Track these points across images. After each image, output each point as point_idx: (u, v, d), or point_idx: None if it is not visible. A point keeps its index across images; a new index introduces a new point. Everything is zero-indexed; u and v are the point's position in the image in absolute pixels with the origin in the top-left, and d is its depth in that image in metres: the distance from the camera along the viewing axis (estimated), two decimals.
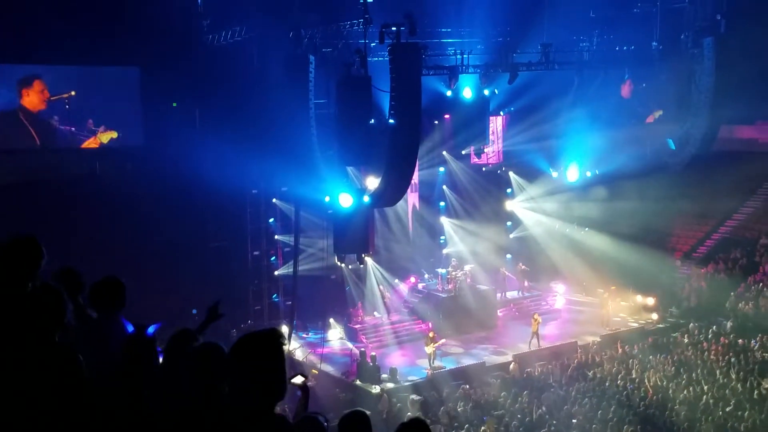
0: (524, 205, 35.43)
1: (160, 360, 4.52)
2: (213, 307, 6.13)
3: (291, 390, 3.44)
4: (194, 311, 19.93)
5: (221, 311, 6.17)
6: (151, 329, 4.48)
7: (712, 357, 24.99)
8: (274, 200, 30.16)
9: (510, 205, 35.57)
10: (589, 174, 33.23)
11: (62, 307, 4.13)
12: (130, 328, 4.90)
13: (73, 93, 27.07)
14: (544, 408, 21.17)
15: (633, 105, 32.51)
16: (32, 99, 26.85)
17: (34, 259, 4.48)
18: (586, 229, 35.12)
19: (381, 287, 30.54)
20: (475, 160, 34.46)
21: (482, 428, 19.81)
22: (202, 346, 3.95)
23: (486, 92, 31.42)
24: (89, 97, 27.70)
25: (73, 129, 27.45)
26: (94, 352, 4.50)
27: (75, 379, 3.92)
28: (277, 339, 3.33)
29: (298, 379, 5.29)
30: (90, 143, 27.73)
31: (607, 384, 22.99)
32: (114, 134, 27.87)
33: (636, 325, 30.54)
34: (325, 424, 4.85)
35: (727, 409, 20.42)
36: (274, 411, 3.30)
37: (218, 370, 3.74)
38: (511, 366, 25.37)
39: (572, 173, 33.04)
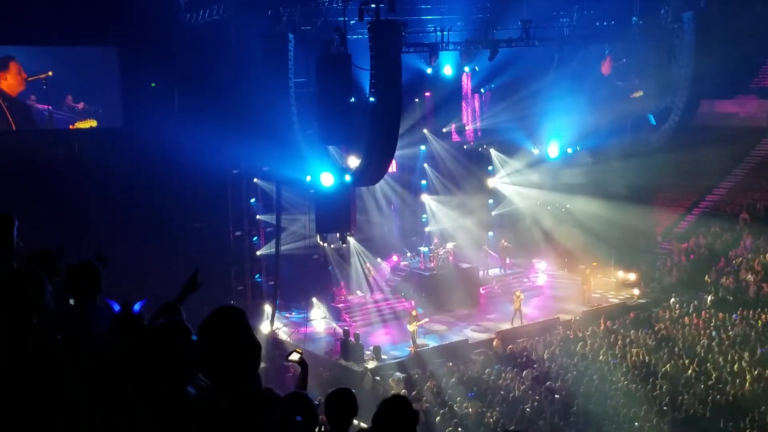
0: (505, 181, 35.45)
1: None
2: (192, 278, 6.06)
3: (279, 372, 3.40)
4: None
5: (199, 283, 6.12)
6: (136, 306, 4.41)
7: (693, 331, 25.23)
8: (255, 180, 29.99)
9: (491, 182, 35.58)
10: (570, 150, 33.28)
11: (40, 290, 4.03)
12: (116, 307, 4.80)
13: (50, 73, 26.71)
14: (527, 384, 21.31)
15: (613, 81, 32.53)
16: (10, 82, 26.48)
17: (3, 232, 4.36)
18: (567, 206, 35.24)
19: (368, 265, 30.53)
20: (456, 138, 34.41)
21: (465, 404, 19.92)
22: (165, 324, 3.87)
23: (466, 69, 31.33)
24: (66, 78, 27.33)
25: (50, 108, 27.10)
26: (74, 336, 4.41)
27: (53, 363, 3.84)
28: (237, 312, 3.32)
29: (295, 356, 5.25)
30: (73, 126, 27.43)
31: (589, 359, 23.15)
32: (93, 123, 27.54)
33: (617, 300, 30.78)
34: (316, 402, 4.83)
35: (709, 383, 20.64)
36: (259, 385, 3.26)
37: (183, 348, 3.68)
38: (494, 342, 25.50)
39: (553, 150, 33.07)
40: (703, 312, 27.03)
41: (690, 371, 21.54)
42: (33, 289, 3.99)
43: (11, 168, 24.83)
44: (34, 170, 25.33)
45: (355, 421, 5.22)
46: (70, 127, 27.33)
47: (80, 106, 27.42)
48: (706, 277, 29.99)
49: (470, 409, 19.51)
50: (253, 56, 25.29)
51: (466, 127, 33.89)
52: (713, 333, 24.70)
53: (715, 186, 36.22)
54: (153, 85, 27.76)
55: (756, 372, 20.93)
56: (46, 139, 27.43)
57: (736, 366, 21.65)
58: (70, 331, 4.59)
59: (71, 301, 5.34)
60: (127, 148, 26.55)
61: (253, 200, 30.31)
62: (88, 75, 27.59)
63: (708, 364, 21.99)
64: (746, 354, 22.35)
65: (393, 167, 29.25)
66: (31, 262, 5.05)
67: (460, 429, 18.12)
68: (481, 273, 32.41)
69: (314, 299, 29.34)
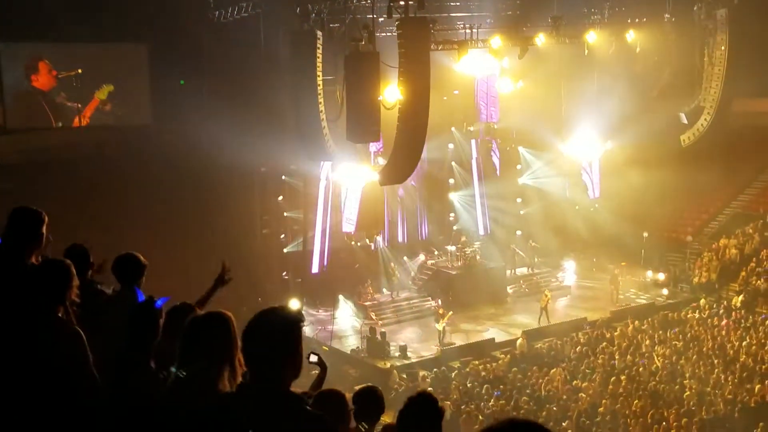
0: (534, 180, 35.25)
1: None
2: (221, 275, 6.24)
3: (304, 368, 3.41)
4: None
5: (229, 278, 6.27)
6: (159, 302, 4.45)
7: (722, 332, 24.93)
8: (283, 177, 30.08)
9: (520, 181, 35.36)
10: (599, 148, 33.02)
11: (66, 282, 4.07)
12: (141, 298, 4.87)
13: (79, 71, 27.04)
14: (553, 383, 21.20)
15: (644, 77, 32.20)
16: (42, 80, 26.91)
17: (33, 229, 4.42)
18: (596, 205, 34.97)
19: (392, 264, 30.52)
20: (484, 136, 34.24)
21: (491, 403, 19.87)
22: (206, 315, 3.89)
23: (495, 67, 31.14)
24: (97, 75, 27.65)
25: (80, 106, 27.44)
26: (109, 326, 4.47)
27: (75, 355, 3.88)
28: (295, 317, 3.28)
29: (314, 357, 5.27)
30: (90, 107, 27.68)
31: (616, 359, 22.97)
32: (111, 87, 27.73)
33: (646, 300, 30.47)
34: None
35: (737, 383, 20.41)
36: (290, 389, 3.26)
37: (227, 344, 3.69)
38: (519, 341, 25.33)
39: (583, 148, 32.82)
40: (733, 313, 26.69)
41: (718, 371, 21.30)
42: (57, 281, 4.03)
43: (44, 164, 25.19)
44: (65, 166, 25.65)
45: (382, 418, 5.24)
46: (92, 101, 27.50)
47: (108, 107, 27.77)
48: (738, 278, 29.60)
49: (496, 408, 19.44)
50: (281, 54, 25.40)
51: (495, 126, 33.70)
52: (743, 334, 24.39)
53: (748, 186, 35.75)
54: (182, 82, 27.96)
55: None
56: (77, 135, 27.77)
57: (764, 367, 21.36)
58: (104, 319, 4.65)
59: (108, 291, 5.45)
60: (155, 145, 26.78)
61: (280, 198, 30.41)
62: (117, 73, 27.90)
63: (737, 365, 21.71)
64: None
65: (421, 165, 29.21)
66: (66, 256, 5.12)
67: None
68: (508, 272, 32.26)
69: (341, 297, 29.41)
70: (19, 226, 4.44)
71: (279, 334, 3.19)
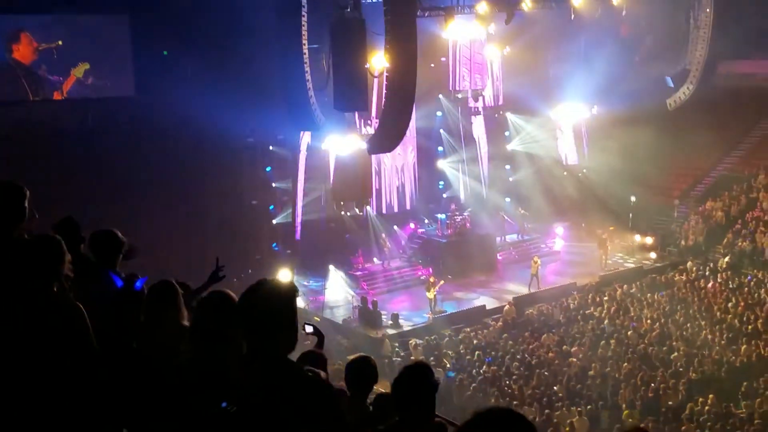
0: (522, 146, 35.22)
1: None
2: (215, 272, 6.23)
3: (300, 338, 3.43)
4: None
5: (222, 275, 6.26)
6: (138, 283, 4.42)
7: (709, 294, 25.19)
8: (270, 148, 29.91)
9: (509, 147, 35.33)
10: (594, 109, 32.99)
11: (60, 257, 4.05)
12: (119, 283, 4.82)
13: (59, 42, 26.70)
14: (543, 348, 21.39)
15: (631, 41, 32.10)
16: (23, 51, 26.53)
17: (15, 204, 4.37)
18: (584, 171, 35.04)
19: (383, 234, 30.53)
20: (472, 103, 34.09)
21: (483, 369, 20.03)
22: (211, 295, 3.93)
23: (482, 33, 30.96)
24: (78, 46, 27.28)
25: (60, 79, 27.13)
26: (93, 304, 4.45)
27: (76, 328, 3.88)
28: (290, 288, 3.31)
29: (309, 328, 5.30)
30: (67, 84, 27.39)
31: (605, 323, 23.18)
32: (87, 65, 27.42)
33: (634, 264, 30.69)
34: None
35: (723, 343, 20.68)
36: (287, 358, 3.31)
37: (226, 318, 3.72)
38: (506, 308, 25.40)
39: (570, 113, 32.78)
40: (719, 275, 26.93)
41: (706, 333, 21.56)
42: (52, 256, 4.01)
43: (25, 138, 24.90)
44: (48, 140, 25.37)
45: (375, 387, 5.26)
46: (69, 78, 27.24)
47: (90, 81, 27.44)
48: (724, 240, 29.83)
49: (488, 374, 19.62)
50: (266, 22, 25.08)
51: (482, 93, 33.55)
52: (729, 295, 24.65)
53: (733, 148, 35.86)
54: (165, 53, 27.62)
55: None
56: (59, 108, 27.45)
57: (750, 327, 21.63)
58: (90, 297, 4.63)
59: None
60: (140, 117, 26.53)
61: (268, 168, 30.27)
62: (99, 44, 27.52)
63: (723, 326, 21.97)
64: (761, 315, 22.30)
65: (409, 133, 29.11)
66: (56, 230, 5.07)
67: (479, 394, 18.23)
68: (498, 239, 32.39)
69: (331, 267, 29.45)
70: (1, 201, 4.38)
71: (274, 306, 3.22)
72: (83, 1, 25.70)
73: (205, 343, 3.70)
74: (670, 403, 17.53)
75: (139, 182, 25.66)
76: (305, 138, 28.29)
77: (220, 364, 3.57)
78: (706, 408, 16.86)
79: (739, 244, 29.07)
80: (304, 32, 24.10)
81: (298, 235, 29.19)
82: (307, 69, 24.42)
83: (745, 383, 18.04)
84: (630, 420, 16.61)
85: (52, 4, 25.48)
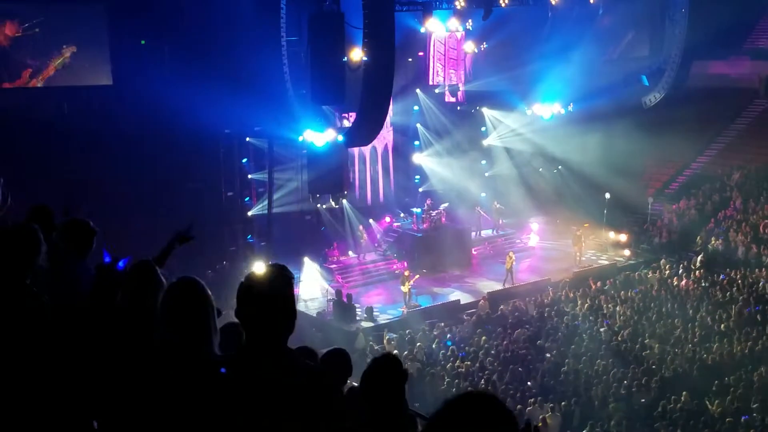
0: (499, 142, 35.34)
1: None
2: (181, 231, 5.81)
3: None
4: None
5: (191, 236, 5.84)
6: (121, 263, 4.36)
7: (682, 292, 25.44)
8: (247, 139, 29.74)
9: (485, 143, 35.43)
10: (562, 111, 33.16)
11: (35, 248, 3.98)
12: (107, 259, 4.74)
13: (36, 30, 26.36)
14: (518, 344, 21.49)
15: (607, 39, 32.30)
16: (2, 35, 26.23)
17: None
18: (559, 167, 35.24)
19: (360, 227, 30.49)
20: (449, 98, 34.16)
21: (456, 363, 20.08)
22: (183, 285, 3.83)
23: (459, 28, 31.03)
24: (55, 35, 26.93)
25: (38, 64, 26.83)
26: (63, 294, 4.38)
27: (40, 324, 3.81)
28: (287, 274, 3.33)
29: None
30: (48, 71, 27.05)
31: (579, 320, 23.33)
32: (74, 48, 27.07)
33: (608, 261, 30.93)
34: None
35: (695, 341, 20.90)
36: (288, 347, 3.34)
37: (206, 311, 3.66)
38: (480, 303, 25.50)
39: (546, 110, 32.94)
40: (692, 272, 27.21)
41: (679, 331, 21.78)
42: (28, 247, 3.95)
43: (1, 125, 24.58)
44: (23, 128, 25.04)
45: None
46: (49, 68, 26.94)
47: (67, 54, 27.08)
48: (696, 238, 30.13)
49: (461, 370, 19.67)
50: (244, 14, 24.91)
51: (460, 88, 33.63)
52: (702, 294, 24.91)
53: (707, 147, 36.25)
54: (143, 42, 27.35)
55: (743, 331, 21.20)
56: (34, 96, 27.10)
57: (723, 326, 21.87)
58: (59, 290, 4.56)
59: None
60: (116, 106, 26.25)
61: (245, 160, 30.11)
62: (76, 33, 27.20)
63: (696, 324, 22.20)
64: (733, 314, 22.57)
65: (385, 128, 29.10)
66: (29, 217, 4.99)
67: (453, 389, 18.27)
68: (473, 234, 32.47)
69: (306, 259, 29.35)
70: None
71: (274, 293, 3.23)
72: None
73: (176, 331, 3.62)
74: (642, 400, 17.70)
75: (114, 172, 25.39)
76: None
77: (195, 352, 3.52)
78: (679, 405, 17.04)
79: (712, 242, 29.39)
80: (283, 24, 24.01)
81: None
82: (285, 61, 24.33)
83: (717, 381, 18.26)
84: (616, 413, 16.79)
85: None
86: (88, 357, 3.83)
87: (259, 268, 3.40)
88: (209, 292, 3.68)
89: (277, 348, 3.24)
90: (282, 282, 3.27)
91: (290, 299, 3.28)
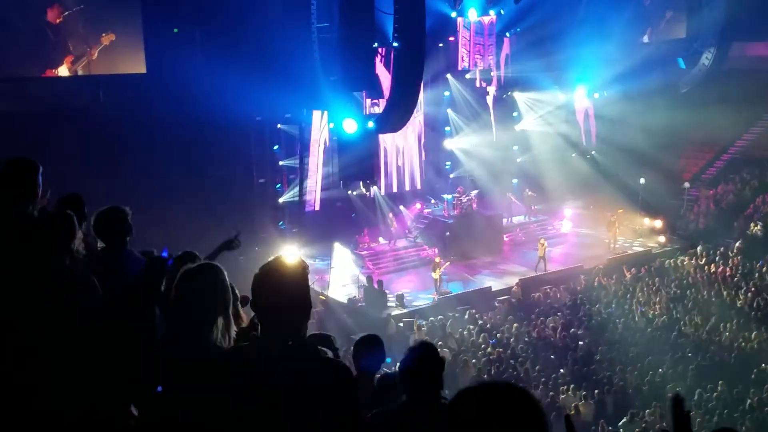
0: (531, 127, 35.02)
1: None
2: (231, 239, 6.19)
3: None
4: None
5: (238, 243, 6.26)
6: (170, 260, 4.38)
7: (719, 279, 25.05)
8: (279, 126, 29.83)
9: (517, 128, 35.12)
10: (597, 95, 32.75)
11: (71, 233, 4.04)
12: (165, 254, 4.76)
13: (78, 16, 26.77)
14: (549, 331, 21.35)
15: (643, 21, 31.79)
16: (52, 16, 26.67)
17: (28, 179, 4.36)
18: (593, 152, 34.84)
19: (390, 214, 30.45)
20: (480, 83, 33.89)
21: (488, 350, 20.02)
22: (197, 267, 3.81)
23: (491, 13, 30.75)
24: (95, 22, 27.23)
25: (88, 48, 27.22)
26: (111, 278, 4.40)
27: (92, 304, 3.85)
28: (300, 264, 3.36)
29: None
30: (89, 57, 27.32)
31: (613, 307, 23.10)
32: (113, 36, 27.36)
33: (643, 248, 30.52)
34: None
35: (733, 329, 20.57)
36: (304, 338, 3.35)
37: (220, 296, 3.64)
38: (513, 289, 25.42)
39: (580, 95, 32.55)
40: (730, 259, 26.77)
41: (715, 318, 21.44)
42: (65, 232, 4.00)
43: (37, 114, 24.92)
44: (59, 116, 25.37)
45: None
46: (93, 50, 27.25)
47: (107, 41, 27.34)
48: (734, 224, 29.64)
49: (493, 356, 19.59)
50: (275, 1, 24.95)
51: (491, 73, 33.35)
52: (740, 280, 24.51)
53: (745, 131, 35.58)
54: (176, 30, 27.50)
55: None
56: (70, 85, 27.41)
57: (761, 313, 21.52)
58: (97, 275, 4.57)
59: (99, 246, 5.32)
60: (150, 94, 26.42)
61: (276, 147, 30.20)
62: (113, 20, 27.45)
63: (733, 311, 21.86)
64: None
65: (416, 113, 28.95)
66: (62, 205, 5.02)
67: (484, 376, 18.22)
68: (505, 220, 32.28)
69: (337, 245, 29.40)
70: (14, 175, 4.37)
71: (288, 283, 3.24)
72: None
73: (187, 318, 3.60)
74: (678, 388, 17.49)
75: (147, 159, 25.63)
76: (319, 116, 28.26)
77: (201, 338, 3.50)
78: (715, 395, 16.80)
79: (751, 228, 28.87)
80: (314, 11, 23.96)
81: (312, 207, 29.24)
82: (316, 48, 24.31)
83: (755, 370, 17.96)
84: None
85: None
86: (126, 343, 3.84)
87: (272, 258, 3.39)
88: (227, 280, 3.66)
89: (293, 337, 3.25)
90: (295, 272, 3.29)
91: (304, 288, 3.30)
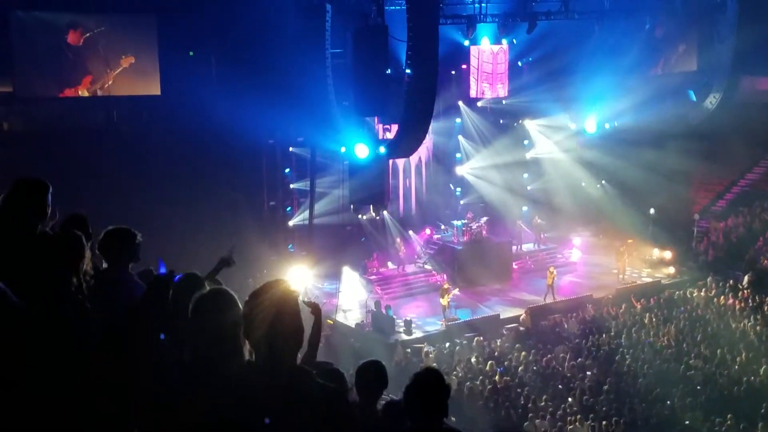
0: (541, 155, 35.10)
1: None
2: (226, 256, 6.13)
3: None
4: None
5: (234, 260, 6.17)
6: (176, 276, 4.39)
7: (728, 311, 24.89)
8: (290, 149, 30.01)
9: (528, 156, 35.20)
10: (607, 126, 32.81)
11: (79, 253, 4.05)
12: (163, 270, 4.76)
13: (99, 39, 27.17)
14: (557, 360, 21.23)
15: (655, 53, 31.89)
16: (73, 38, 27.10)
17: (37, 199, 4.39)
18: (603, 182, 34.85)
19: (398, 239, 30.49)
20: (491, 111, 34.03)
21: (495, 378, 19.91)
22: (214, 294, 3.82)
23: (504, 42, 30.97)
24: (114, 44, 27.61)
25: (108, 70, 27.58)
26: (104, 304, 4.41)
27: (80, 330, 3.84)
28: (289, 291, 3.34)
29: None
30: (107, 79, 27.65)
31: (622, 338, 22.97)
32: (132, 59, 27.71)
33: (652, 278, 30.39)
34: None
35: (742, 362, 20.40)
36: (296, 361, 3.35)
37: (235, 324, 3.65)
38: (522, 317, 25.34)
39: (590, 125, 32.64)
40: (739, 292, 26.61)
41: (725, 351, 21.28)
42: (73, 253, 4.02)
43: (52, 134, 25.20)
44: (73, 136, 25.64)
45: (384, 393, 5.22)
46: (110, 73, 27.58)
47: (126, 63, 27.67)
48: (744, 257, 29.50)
49: (500, 385, 19.48)
50: (290, 26, 25.22)
51: (503, 101, 33.51)
52: (750, 314, 24.35)
53: (755, 164, 35.52)
54: (191, 53, 27.83)
55: None
56: (86, 105, 27.71)
57: None
58: (102, 297, 4.60)
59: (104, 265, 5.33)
60: (164, 115, 26.75)
61: (287, 170, 30.37)
62: (132, 42, 27.81)
63: (743, 345, 21.69)
64: None
65: (427, 140, 29.08)
66: (66, 226, 5.05)
67: (491, 404, 18.11)
68: (514, 248, 32.23)
69: (346, 269, 29.40)
70: (24, 195, 4.40)
71: (278, 311, 3.24)
72: (113, 1, 25.97)
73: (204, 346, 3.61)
74: (687, 422, 17.33)
75: (159, 179, 25.84)
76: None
77: (218, 367, 3.50)
78: (724, 429, 16.65)
79: (761, 261, 28.74)
80: (328, 37, 24.22)
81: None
82: (330, 73, 24.53)
83: (764, 404, 17.79)
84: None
85: (85, 2, 25.75)
86: (130, 366, 3.85)
87: (261, 284, 3.39)
88: (238, 304, 3.67)
89: (285, 364, 3.24)
90: (284, 298, 3.29)
91: (294, 315, 3.29)
